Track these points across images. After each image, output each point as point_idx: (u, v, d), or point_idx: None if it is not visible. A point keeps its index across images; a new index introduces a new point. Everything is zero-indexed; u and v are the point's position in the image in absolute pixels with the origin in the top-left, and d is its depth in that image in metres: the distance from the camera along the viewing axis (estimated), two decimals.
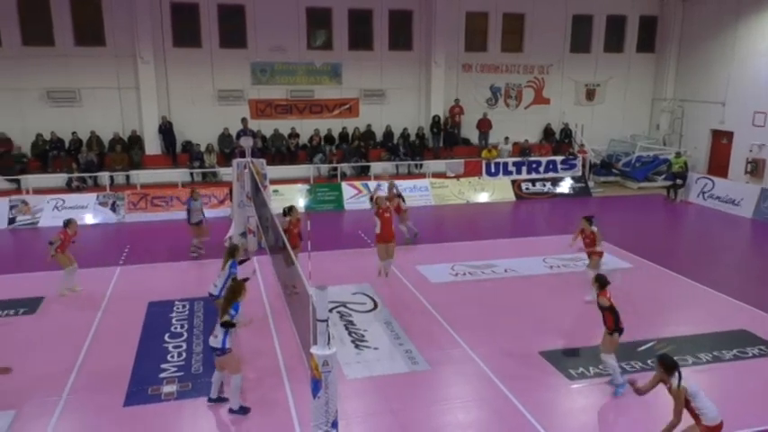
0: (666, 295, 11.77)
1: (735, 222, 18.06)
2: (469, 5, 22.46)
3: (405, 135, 21.98)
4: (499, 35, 23.06)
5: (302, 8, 21.02)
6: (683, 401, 6.02)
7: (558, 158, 21.90)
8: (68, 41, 19.30)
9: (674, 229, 17.86)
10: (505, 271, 12.87)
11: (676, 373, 6.11)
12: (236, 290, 7.51)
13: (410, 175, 20.98)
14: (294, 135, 21.23)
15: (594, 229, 11.14)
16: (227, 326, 7.28)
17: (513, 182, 20.95)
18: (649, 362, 8.88)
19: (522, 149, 22.23)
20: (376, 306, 11.00)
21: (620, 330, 8.05)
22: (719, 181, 20.16)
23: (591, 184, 21.84)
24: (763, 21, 20.12)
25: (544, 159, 21.77)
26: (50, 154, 19.04)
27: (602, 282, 8.14)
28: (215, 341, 7.39)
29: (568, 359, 9.03)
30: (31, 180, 17.96)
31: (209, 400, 7.71)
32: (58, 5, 18.99)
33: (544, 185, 21.18)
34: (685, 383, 6.06)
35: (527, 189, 20.91)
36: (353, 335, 9.78)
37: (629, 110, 24.80)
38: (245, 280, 7.94)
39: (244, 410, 7.48)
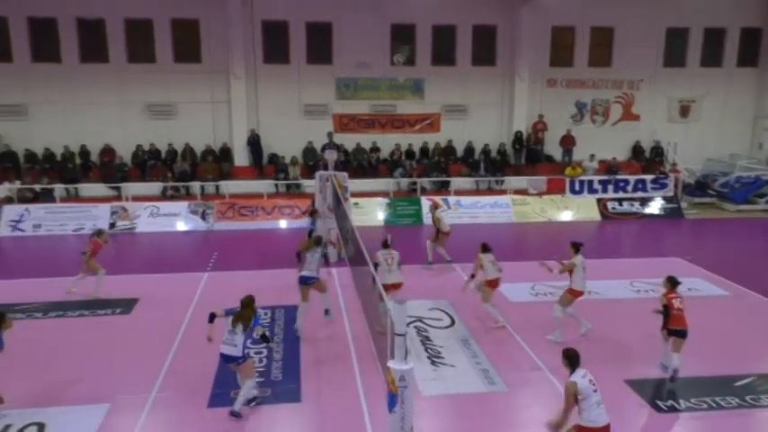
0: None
1: None
2: (556, 20, 22.04)
3: (486, 151, 21.77)
4: (586, 49, 22.47)
5: (387, 24, 21.38)
6: (571, 396, 6.03)
7: (648, 177, 20.94)
8: (168, 59, 20.56)
9: None
10: (589, 293, 12.34)
11: (576, 370, 6.16)
12: (248, 303, 7.95)
13: (490, 191, 20.73)
14: (375, 149, 21.53)
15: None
16: (265, 340, 8.38)
17: (599, 201, 20.23)
18: (748, 398, 8.27)
19: (608, 167, 21.44)
20: (453, 323, 10.89)
21: (671, 332, 8.68)
22: None
23: (684, 205, 20.72)
24: None
25: (633, 178, 20.89)
26: (148, 163, 20.29)
27: (672, 282, 8.90)
28: (234, 350, 7.65)
29: (657, 389, 8.56)
30: (130, 188, 19.18)
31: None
32: (161, 26, 20.30)
33: (632, 205, 20.29)
34: (577, 380, 6.04)
35: (613, 208, 20.12)
36: (430, 351, 9.72)
37: (728, 128, 23.39)
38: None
39: (237, 415, 7.60)
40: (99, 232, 12.23)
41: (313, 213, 14.21)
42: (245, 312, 7.86)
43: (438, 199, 16.78)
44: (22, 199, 18.71)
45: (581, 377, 6.13)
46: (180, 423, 7.59)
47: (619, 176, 20.96)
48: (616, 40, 22.46)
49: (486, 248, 10.74)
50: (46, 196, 18.91)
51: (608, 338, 10.37)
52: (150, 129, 20.70)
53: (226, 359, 7.80)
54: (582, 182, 20.58)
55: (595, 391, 6.08)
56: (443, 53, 21.95)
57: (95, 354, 9.42)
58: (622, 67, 22.61)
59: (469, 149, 21.98)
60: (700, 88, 23.04)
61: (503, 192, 20.59)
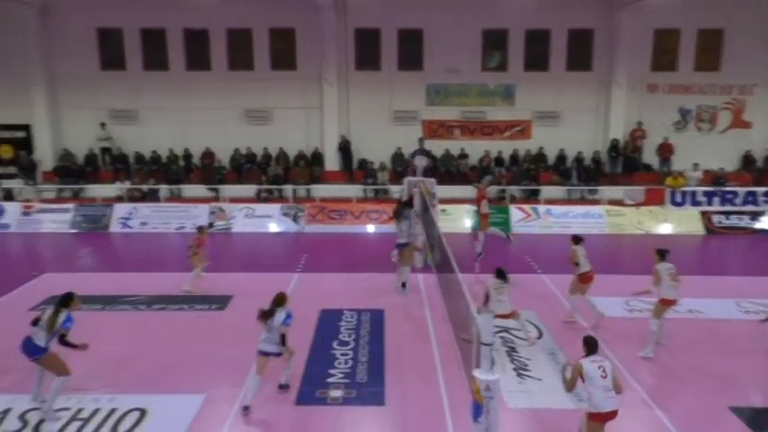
0: None
1: None
2: (658, 22, 21.02)
3: (579, 159, 21.07)
4: (692, 53, 21.25)
5: (479, 30, 21.21)
6: (576, 376, 6.52)
7: (761, 190, 19.44)
8: (265, 66, 21.45)
9: None
10: (690, 311, 11.67)
11: (590, 355, 6.57)
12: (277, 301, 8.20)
13: (583, 201, 20.02)
14: (464, 156, 21.38)
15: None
16: (282, 342, 8.13)
17: (703, 213, 19.01)
18: None
19: (715, 178, 20.11)
20: (541, 335, 10.60)
21: None
22: None
23: None
24: None
25: (742, 190, 19.48)
26: (245, 167, 21.24)
27: None
28: (276, 348, 8.03)
29: (765, 417, 7.90)
30: (227, 189, 20.14)
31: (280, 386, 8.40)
32: (259, 35, 21.23)
33: (741, 219, 18.93)
34: (584, 364, 6.46)
35: (720, 222, 18.85)
36: (516, 362, 9.50)
37: None
38: None
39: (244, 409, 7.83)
40: (201, 228, 13.10)
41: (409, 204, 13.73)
42: (270, 310, 8.07)
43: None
44: (131, 198, 20.14)
45: (590, 362, 6.51)
46: (269, 418, 7.85)
47: (726, 188, 19.60)
48: (726, 43, 21.09)
49: (578, 240, 10.53)
50: (152, 196, 20.24)
51: (711, 361, 9.71)
52: (247, 133, 21.68)
53: (266, 354, 8.05)
54: (684, 193, 19.44)
55: (604, 378, 6.41)
56: (536, 58, 21.50)
57: (193, 346, 9.93)
58: (732, 71, 21.21)
59: (561, 157, 21.35)
60: None
61: (596, 202, 19.82)
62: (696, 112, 21.75)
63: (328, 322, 10.98)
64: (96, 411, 7.79)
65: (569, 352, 9.78)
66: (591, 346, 6.68)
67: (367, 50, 21.57)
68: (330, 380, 8.80)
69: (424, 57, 21.54)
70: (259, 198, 20.33)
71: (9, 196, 20.45)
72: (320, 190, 20.33)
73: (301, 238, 18.07)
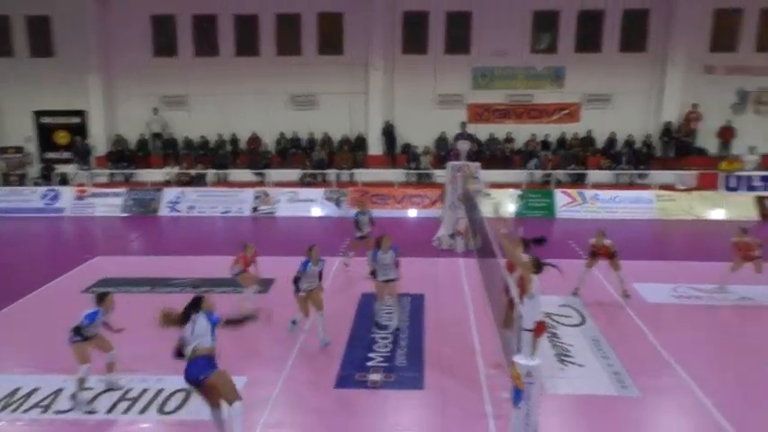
0: None
1: None
2: (719, 1, 20.14)
3: (629, 142, 20.47)
4: (754, 32, 20.27)
5: (529, 12, 20.77)
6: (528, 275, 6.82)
7: None
8: (312, 51, 21.58)
9: None
10: (742, 298, 11.27)
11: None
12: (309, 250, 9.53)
13: (632, 186, 19.48)
14: (509, 140, 21.07)
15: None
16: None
17: (759, 199, 18.22)
18: None
19: None
20: (584, 321, 10.43)
21: None
22: None
23: None
24: None
25: None
26: (289, 151, 21.51)
27: None
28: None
29: None
30: (272, 174, 20.46)
31: None
32: (308, 20, 21.35)
33: None
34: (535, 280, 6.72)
35: None
36: (557, 348, 9.40)
37: None
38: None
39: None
40: (246, 246, 10.90)
41: (361, 205, 13.66)
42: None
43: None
44: (180, 182, 20.70)
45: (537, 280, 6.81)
46: (308, 401, 7.98)
47: None
48: None
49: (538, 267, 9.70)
50: (199, 180, 20.76)
51: (760, 347, 9.40)
52: (292, 118, 21.92)
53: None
54: (739, 177, 18.68)
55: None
56: (588, 40, 20.92)
57: (236, 329, 10.13)
58: None
59: (611, 141, 20.80)
60: None
61: (646, 186, 19.25)
62: (756, 94, 20.75)
63: (368, 306, 11.07)
64: (144, 391, 8.09)
65: (614, 340, 9.61)
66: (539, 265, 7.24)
67: (414, 34, 21.40)
68: (369, 363, 8.89)
69: (472, 40, 21.24)
70: (303, 182, 20.58)
71: (64, 181, 21.35)
72: (363, 174, 20.42)
73: (344, 222, 18.19)
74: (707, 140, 20.74)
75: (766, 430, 7.25)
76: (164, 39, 22.02)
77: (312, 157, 21.07)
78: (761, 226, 17.49)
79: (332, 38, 21.62)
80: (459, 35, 21.25)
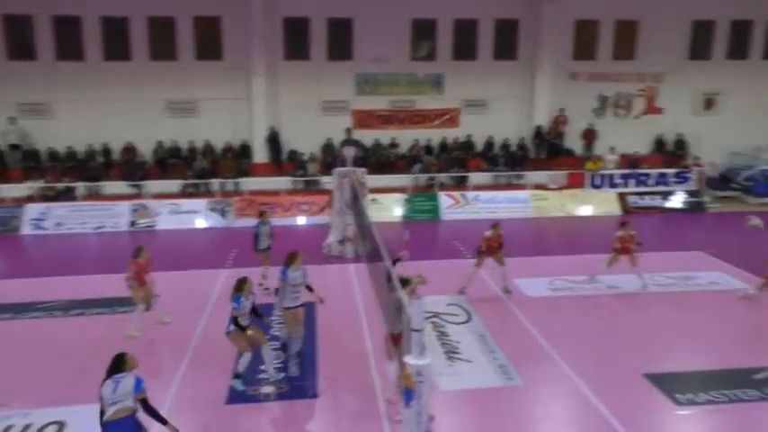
0: None
1: None
2: (579, 13, 21.77)
3: (505, 145, 21.64)
4: (610, 42, 22.16)
5: (408, 20, 21.32)
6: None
7: (671, 171, 20.61)
8: (190, 56, 20.75)
9: None
10: (609, 287, 12.26)
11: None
12: (240, 282, 8.39)
13: (509, 186, 20.57)
14: (394, 145, 21.51)
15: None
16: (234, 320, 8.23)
17: (620, 195, 19.95)
18: (767, 391, 8.15)
19: (630, 161, 21.14)
20: (470, 318, 10.85)
21: None
22: None
23: (706, 198, 20.35)
24: None
25: (654, 172, 20.59)
26: (169, 161, 20.52)
27: None
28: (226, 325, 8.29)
29: (675, 383, 8.44)
30: (150, 185, 19.40)
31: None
32: (183, 24, 20.49)
33: (654, 199, 20.00)
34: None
35: (635, 203, 19.83)
36: (446, 346, 9.69)
37: (753, 121, 22.81)
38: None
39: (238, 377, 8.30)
40: (137, 251, 10.27)
41: (262, 215, 12.46)
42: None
43: None
44: (44, 197, 19.01)
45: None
46: (198, 419, 7.65)
47: (640, 170, 20.66)
48: (640, 33, 22.10)
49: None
50: (67, 194, 19.21)
51: (626, 331, 10.28)
52: (171, 126, 20.94)
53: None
54: (603, 176, 20.33)
55: None
56: (464, 48, 21.80)
57: (114, 350, 9.50)
58: (646, 60, 22.24)
59: (489, 144, 21.86)
60: (725, 81, 22.53)
61: (522, 186, 20.42)
62: (614, 99, 22.73)
63: (259, 317, 10.79)
64: (9, 429, 7.35)
65: (498, 335, 10.07)
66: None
67: (296, 40, 21.22)
68: (261, 376, 8.68)
69: (354, 46, 21.44)
70: (184, 193, 19.71)
71: None
72: (249, 183, 19.93)
73: (230, 233, 17.67)
74: (574, 142, 22.39)
75: (636, 408, 7.91)
76: (20, 41, 20.19)
77: (194, 167, 20.24)
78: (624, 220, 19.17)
79: (210, 42, 20.91)
80: (341, 41, 21.37)
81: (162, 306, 10.70)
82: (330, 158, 20.65)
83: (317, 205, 18.71)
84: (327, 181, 18.40)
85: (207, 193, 19.68)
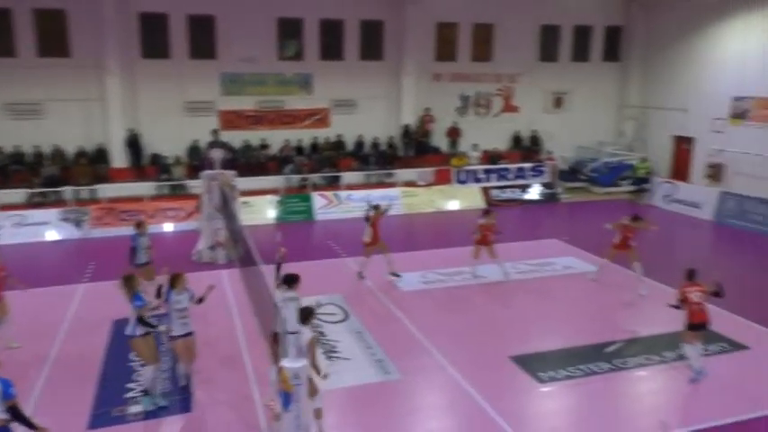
0: (631, 296, 11.91)
1: (697, 225, 18.51)
2: (440, 16, 22.67)
3: (375, 144, 22.04)
4: (469, 45, 23.30)
5: (273, 19, 20.97)
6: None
7: (527, 165, 22.16)
8: (31, 52, 18.89)
9: (641, 231, 18.12)
10: (476, 278, 12.93)
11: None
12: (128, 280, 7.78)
13: (381, 185, 20.98)
14: (264, 146, 21.11)
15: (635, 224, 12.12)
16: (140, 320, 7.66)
17: (483, 189, 21.12)
18: (617, 362, 9.04)
19: (490, 157, 22.45)
20: (347, 316, 10.94)
21: (693, 326, 8.48)
22: (682, 185, 20.71)
23: (559, 189, 22.13)
24: (721, 31, 20.71)
25: (513, 166, 22.01)
26: (10, 168, 18.57)
27: (689, 275, 8.69)
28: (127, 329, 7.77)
29: (538, 363, 9.11)
30: None
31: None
32: (21, 17, 18.61)
33: (514, 192, 21.39)
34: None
35: (497, 196, 21.09)
36: (325, 346, 9.70)
37: (596, 117, 25.20)
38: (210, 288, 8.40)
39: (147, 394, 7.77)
40: None
41: (140, 225, 11.22)
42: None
43: None
44: None
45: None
46: None
47: (501, 165, 22.00)
48: (496, 37, 23.45)
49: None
50: None
51: (493, 318, 10.91)
52: (11, 130, 18.91)
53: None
54: (467, 172, 21.39)
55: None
56: (332, 48, 21.87)
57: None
58: (502, 61, 23.66)
59: (359, 143, 22.14)
60: (571, 81, 24.62)
61: (392, 184, 20.92)
62: (475, 98, 23.98)
63: (123, 333, 10.12)
64: None
65: (375, 331, 10.24)
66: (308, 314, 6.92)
67: (154, 37, 20.00)
68: (129, 395, 8.16)
69: (218, 45, 20.69)
70: (31, 203, 17.91)
71: None
72: (107, 189, 18.56)
73: (87, 244, 16.34)
74: (440, 140, 23.32)
75: (504, 390, 8.42)
76: None
77: (41, 174, 18.47)
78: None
79: (54, 38, 19.12)
80: (203, 40, 20.52)
81: (9, 329, 9.65)
82: (197, 161, 19.81)
83: (184, 211, 17.88)
84: (195, 185, 17.65)
85: (58, 203, 18.01)
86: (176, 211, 17.69)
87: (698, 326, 8.49)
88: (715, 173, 20.70)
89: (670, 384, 8.69)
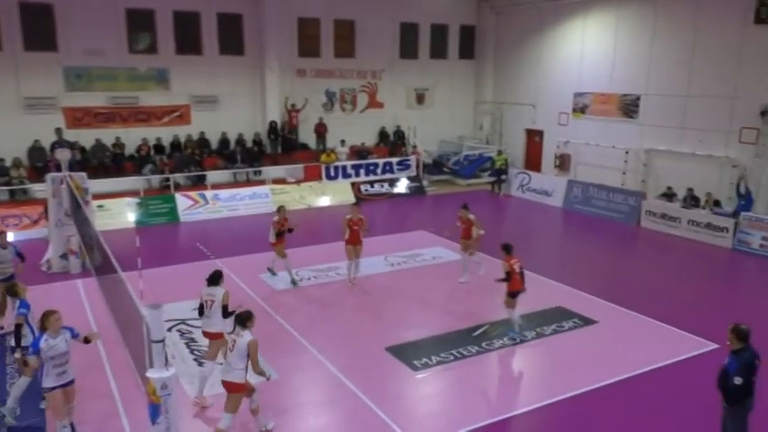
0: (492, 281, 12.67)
1: (548, 211, 20.13)
2: (301, 11, 22.48)
3: (241, 141, 21.44)
4: (331, 41, 23.36)
5: (121, 9, 19.57)
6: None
7: (394, 160, 22.76)
8: None
9: (499, 220, 19.40)
10: (338, 274, 13.02)
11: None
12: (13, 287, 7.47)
13: (249, 183, 20.48)
14: (119, 145, 19.71)
15: (471, 216, 12.33)
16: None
17: (353, 184, 21.36)
18: (484, 345, 9.58)
19: (358, 152, 22.76)
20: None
21: (512, 293, 9.66)
22: (535, 175, 22.39)
23: (425, 182, 22.98)
24: (562, 33, 22.59)
25: (381, 161, 22.50)
26: None
27: (507, 248, 9.70)
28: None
29: (412, 351, 9.41)
30: None
31: None
32: None
33: (382, 186, 21.87)
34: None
35: (366, 191, 21.44)
36: (196, 353, 9.31)
37: (456, 112, 26.47)
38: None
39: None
40: None
41: (1, 234, 10.43)
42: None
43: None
44: None
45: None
46: None
47: (369, 160, 22.39)
48: (358, 33, 23.74)
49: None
50: None
51: (368, 311, 11.10)
52: None
53: None
54: (336, 168, 21.51)
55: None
56: (188, 42, 20.86)
57: None
58: (365, 58, 24.03)
59: (224, 141, 21.41)
60: (431, 78, 25.62)
61: (261, 182, 20.50)
62: (340, 95, 24.13)
63: None
64: None
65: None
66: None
67: None
68: None
69: (58, 36, 18.91)
70: None
71: None
72: None
73: None
74: (308, 136, 23.20)
75: (380, 381, 8.60)
76: None
77: None
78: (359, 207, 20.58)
79: None
80: (41, 30, 18.63)
81: None
82: (40, 163, 18.07)
83: (28, 218, 16.25)
84: (40, 189, 16.09)
85: None
86: (19, 218, 16.04)
87: (518, 292, 9.71)
88: (562, 163, 22.61)
89: (533, 360, 9.38)
